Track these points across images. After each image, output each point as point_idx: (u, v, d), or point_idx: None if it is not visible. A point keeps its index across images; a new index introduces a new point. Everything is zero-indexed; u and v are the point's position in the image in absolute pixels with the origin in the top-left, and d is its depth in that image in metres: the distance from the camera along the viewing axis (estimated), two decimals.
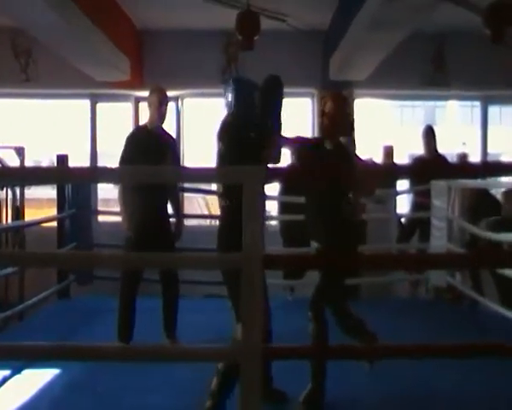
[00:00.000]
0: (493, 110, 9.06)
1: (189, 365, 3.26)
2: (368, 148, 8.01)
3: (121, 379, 3.61)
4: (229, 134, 3.31)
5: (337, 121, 3.59)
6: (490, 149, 8.45)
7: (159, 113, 4.44)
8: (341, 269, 3.22)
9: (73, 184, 6.02)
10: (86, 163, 8.20)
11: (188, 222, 8.21)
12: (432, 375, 3.63)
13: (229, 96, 3.38)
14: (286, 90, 8.34)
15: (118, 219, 8.72)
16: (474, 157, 8.70)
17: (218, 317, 5.11)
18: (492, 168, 3.07)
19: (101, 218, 7.83)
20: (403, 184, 6.91)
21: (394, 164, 6.73)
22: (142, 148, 4.34)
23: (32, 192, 9.68)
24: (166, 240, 4.49)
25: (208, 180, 3.96)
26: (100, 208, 8.30)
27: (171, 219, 4.78)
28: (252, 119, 3.36)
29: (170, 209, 4.81)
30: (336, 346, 3.05)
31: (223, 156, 3.31)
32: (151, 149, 4.33)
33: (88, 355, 2.64)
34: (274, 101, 3.63)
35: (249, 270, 2.49)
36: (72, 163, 6.91)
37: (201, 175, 2.84)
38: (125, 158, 4.44)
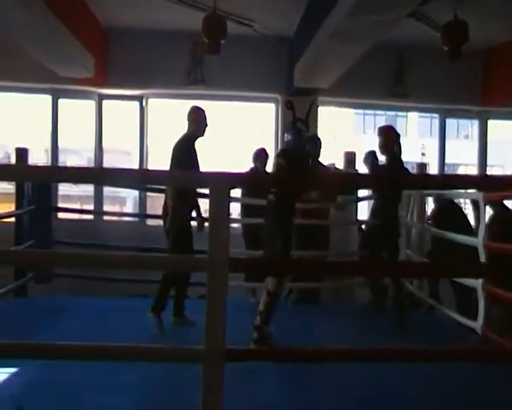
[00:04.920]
0: (451, 123, 9.35)
1: (151, 364, 3.28)
2: (330, 154, 8.17)
3: (81, 377, 3.58)
4: (288, 156, 4.53)
5: None
6: (447, 160, 8.73)
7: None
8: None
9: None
10: (46, 158, 8.09)
11: (150, 222, 8.19)
12: (389, 378, 3.73)
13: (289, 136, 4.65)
14: (251, 94, 8.43)
15: (78, 216, 8.73)
16: (433, 168, 8.97)
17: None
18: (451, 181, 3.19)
19: (61, 215, 7.71)
20: (364, 191, 7.06)
21: (356, 171, 6.87)
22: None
23: None
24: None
25: (177, 183, 3.97)
26: (60, 205, 8.19)
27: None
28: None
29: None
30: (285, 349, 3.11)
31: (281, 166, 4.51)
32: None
33: (56, 353, 2.62)
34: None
35: (215, 273, 2.54)
36: (32, 157, 6.81)
37: (170, 179, 2.87)
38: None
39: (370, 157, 6.22)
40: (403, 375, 3.71)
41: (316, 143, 6.16)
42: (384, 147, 5.63)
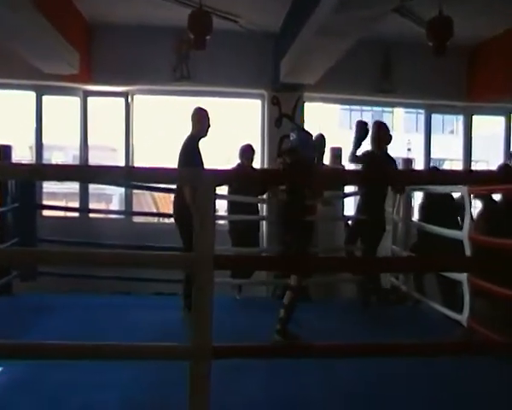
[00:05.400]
0: (437, 119, 9.40)
1: (136, 362, 3.26)
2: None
3: (67, 376, 3.55)
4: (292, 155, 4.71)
5: None
6: (433, 156, 8.78)
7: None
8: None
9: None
10: (31, 155, 8.01)
11: (136, 219, 8.16)
12: (376, 373, 3.75)
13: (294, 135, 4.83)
14: (237, 90, 8.42)
15: (63, 213, 8.67)
16: (419, 163, 9.02)
17: (168, 314, 5.17)
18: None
19: (46, 213, 7.64)
20: (350, 187, 7.08)
21: (342, 167, 6.88)
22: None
23: None
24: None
25: (163, 181, 3.95)
26: (45, 203, 8.12)
27: None
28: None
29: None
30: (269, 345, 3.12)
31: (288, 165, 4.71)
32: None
33: (41, 353, 2.60)
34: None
35: (201, 270, 2.53)
36: (15, 154, 6.74)
37: (157, 176, 2.85)
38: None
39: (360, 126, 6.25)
40: (389, 369, 3.72)
41: (321, 142, 6.08)
42: (376, 140, 5.84)
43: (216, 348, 2.56)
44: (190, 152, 5.14)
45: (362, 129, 5.88)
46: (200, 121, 5.30)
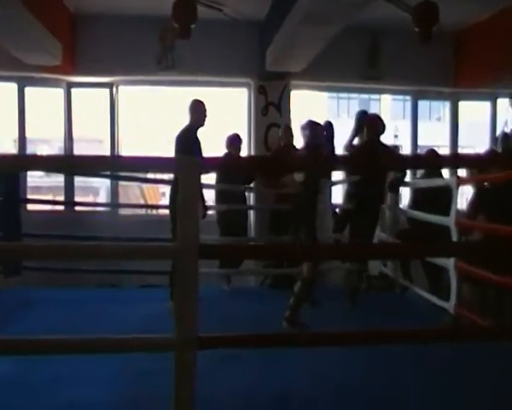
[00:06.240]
0: (424, 106, 9.37)
1: (121, 355, 3.22)
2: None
3: (51, 371, 3.52)
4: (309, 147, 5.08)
5: None
6: (420, 142, 8.77)
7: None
8: None
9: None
10: (15, 148, 7.89)
11: (123, 211, 8.09)
12: (362, 361, 3.73)
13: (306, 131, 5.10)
14: (222, 79, 8.33)
15: (50, 207, 8.56)
16: (406, 149, 9.01)
17: (155, 306, 5.13)
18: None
19: (30, 206, 7.55)
20: (338, 175, 7.06)
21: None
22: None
23: None
24: None
25: (147, 169, 3.90)
26: (30, 196, 8.02)
27: None
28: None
29: None
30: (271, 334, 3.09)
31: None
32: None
33: (21, 349, 2.55)
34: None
35: (184, 260, 2.49)
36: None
37: (141, 164, 2.80)
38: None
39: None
40: (376, 357, 3.71)
41: (330, 130, 6.25)
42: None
43: (201, 338, 2.52)
44: (187, 141, 5.26)
45: (361, 119, 6.00)
46: (197, 112, 5.46)
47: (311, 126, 5.08)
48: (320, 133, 5.20)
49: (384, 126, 6.05)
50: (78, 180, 8.68)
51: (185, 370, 2.53)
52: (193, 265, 2.48)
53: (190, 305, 2.52)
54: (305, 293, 4.70)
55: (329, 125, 6.27)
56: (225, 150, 6.84)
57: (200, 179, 2.73)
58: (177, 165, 2.44)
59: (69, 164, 2.84)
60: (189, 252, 2.45)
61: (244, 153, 7.40)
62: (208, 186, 6.54)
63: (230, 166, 3.28)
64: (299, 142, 7.02)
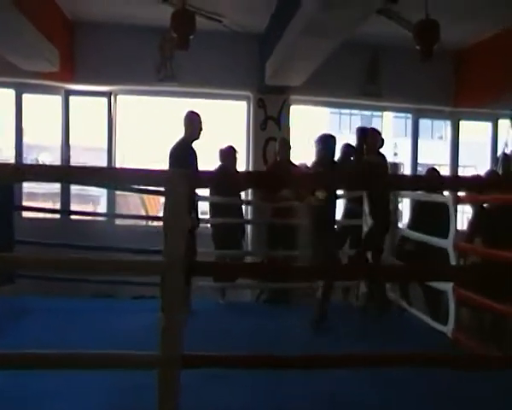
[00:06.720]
0: (426, 124, 9.34)
1: (110, 370, 3.14)
2: (305, 153, 8.06)
3: (37, 385, 3.44)
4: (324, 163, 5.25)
5: None
6: (421, 160, 8.72)
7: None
8: None
9: None
10: (11, 155, 7.83)
11: (123, 222, 8.03)
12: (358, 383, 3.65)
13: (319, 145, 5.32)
14: (222, 91, 8.25)
15: (46, 215, 8.48)
16: (407, 167, 8.96)
17: (148, 318, 5.03)
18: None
19: (25, 213, 7.49)
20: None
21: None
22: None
23: None
24: None
25: (137, 182, 3.85)
26: (26, 203, 7.96)
27: None
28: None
29: None
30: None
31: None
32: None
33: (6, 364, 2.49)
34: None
35: (170, 276, 2.42)
36: (1, 155, 6.60)
37: (128, 176, 2.75)
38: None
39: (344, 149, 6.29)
40: (372, 380, 3.63)
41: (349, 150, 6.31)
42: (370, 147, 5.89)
43: (185, 356, 2.46)
44: (181, 154, 5.14)
45: (362, 136, 6.05)
46: (193, 124, 5.36)
47: (324, 140, 5.27)
48: (332, 147, 5.36)
49: (383, 140, 6.03)
50: (79, 188, 8.64)
51: (168, 387, 2.48)
52: (178, 282, 2.42)
53: (176, 323, 2.46)
54: (328, 298, 4.98)
55: (348, 145, 6.32)
56: (219, 163, 6.77)
57: (189, 193, 2.67)
58: (164, 178, 2.39)
59: (57, 174, 2.79)
60: (173, 268, 2.39)
61: (242, 166, 7.36)
62: (204, 198, 6.48)
63: (223, 181, 3.22)
64: (296, 156, 7.03)
